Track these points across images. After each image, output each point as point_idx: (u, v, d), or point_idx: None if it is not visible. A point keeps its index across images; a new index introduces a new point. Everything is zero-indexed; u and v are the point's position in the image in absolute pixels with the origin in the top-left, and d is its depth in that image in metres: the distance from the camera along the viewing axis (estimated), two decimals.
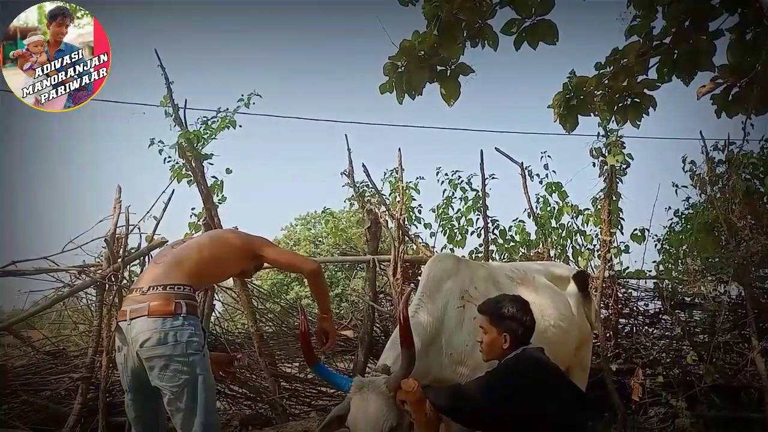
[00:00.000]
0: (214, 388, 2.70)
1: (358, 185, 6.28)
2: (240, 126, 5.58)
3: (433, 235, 6.62)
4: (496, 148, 6.36)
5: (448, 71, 2.98)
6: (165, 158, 5.65)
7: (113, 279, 5.27)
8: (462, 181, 6.64)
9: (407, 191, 6.31)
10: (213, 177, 5.64)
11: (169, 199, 5.68)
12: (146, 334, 2.49)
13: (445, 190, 6.72)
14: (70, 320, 6.01)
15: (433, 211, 6.71)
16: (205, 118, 5.59)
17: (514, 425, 2.49)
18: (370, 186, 6.21)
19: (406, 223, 6.12)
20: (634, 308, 6.28)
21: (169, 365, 2.48)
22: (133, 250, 5.58)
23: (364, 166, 6.13)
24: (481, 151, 6.31)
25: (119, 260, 5.31)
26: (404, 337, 2.67)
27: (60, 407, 5.24)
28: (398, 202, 6.12)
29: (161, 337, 2.48)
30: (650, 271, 6.31)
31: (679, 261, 6.48)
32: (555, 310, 3.67)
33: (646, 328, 6.24)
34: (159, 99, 5.55)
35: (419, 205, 6.60)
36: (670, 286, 6.04)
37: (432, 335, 3.17)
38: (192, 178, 5.55)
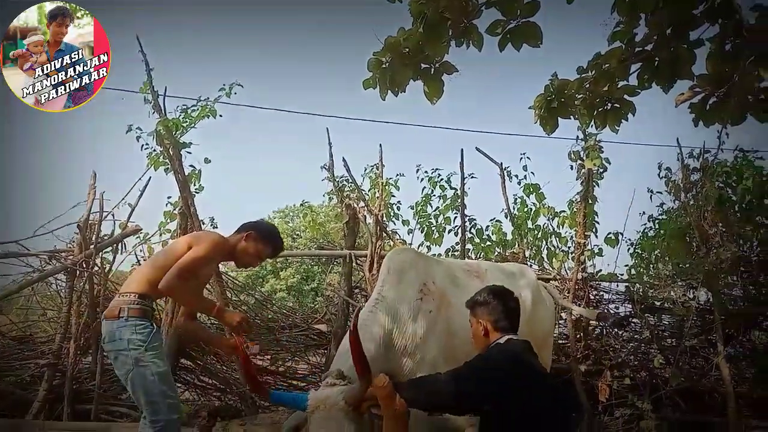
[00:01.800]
0: (160, 375, 3.00)
1: (337, 180, 6.26)
2: (220, 116, 5.54)
3: (410, 232, 6.70)
4: (476, 147, 6.44)
5: (432, 69, 2.97)
6: (142, 145, 5.57)
7: (84, 265, 5.19)
8: (441, 179, 6.72)
9: (387, 187, 6.31)
10: (191, 166, 5.60)
11: (145, 186, 5.63)
12: (103, 333, 3.10)
13: (425, 187, 6.79)
14: (38, 306, 5.90)
15: (412, 208, 6.76)
16: (184, 107, 5.53)
17: (493, 416, 2.47)
18: (350, 181, 6.20)
19: (384, 219, 6.12)
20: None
21: (117, 357, 3.01)
22: (106, 237, 5.50)
23: (344, 160, 6.13)
24: (462, 150, 6.39)
25: (91, 246, 5.23)
26: (358, 363, 2.59)
27: (25, 393, 5.15)
28: (377, 198, 6.13)
29: (109, 335, 3.04)
30: (622, 274, 6.43)
31: (651, 266, 6.59)
32: None
33: (616, 330, 6.33)
34: (138, 85, 5.47)
35: (398, 201, 6.67)
36: (641, 290, 6.14)
37: (390, 331, 3.13)
38: (169, 166, 5.48)
